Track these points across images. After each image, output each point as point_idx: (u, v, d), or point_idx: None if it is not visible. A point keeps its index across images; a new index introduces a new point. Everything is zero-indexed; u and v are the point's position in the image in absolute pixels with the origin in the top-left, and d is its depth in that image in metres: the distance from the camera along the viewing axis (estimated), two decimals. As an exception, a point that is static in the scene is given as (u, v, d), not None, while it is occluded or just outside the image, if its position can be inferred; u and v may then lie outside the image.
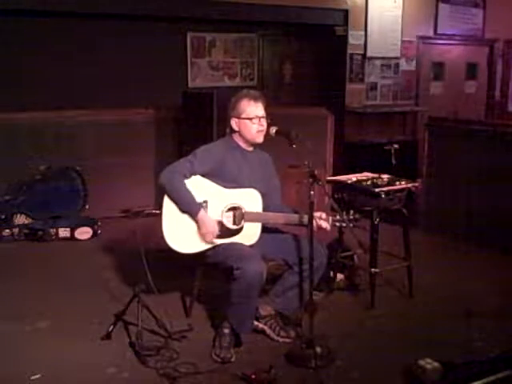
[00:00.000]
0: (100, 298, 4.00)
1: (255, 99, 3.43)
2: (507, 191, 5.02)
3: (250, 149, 3.52)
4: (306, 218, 3.31)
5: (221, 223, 3.38)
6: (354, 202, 3.85)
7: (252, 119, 3.40)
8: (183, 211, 3.36)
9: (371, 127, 6.84)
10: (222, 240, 3.39)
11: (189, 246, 3.38)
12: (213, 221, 3.37)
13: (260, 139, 3.45)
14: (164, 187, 3.35)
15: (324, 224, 3.37)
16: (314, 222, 3.23)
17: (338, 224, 3.43)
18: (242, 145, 3.50)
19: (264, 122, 3.43)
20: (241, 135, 3.47)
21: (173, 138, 6.42)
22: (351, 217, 3.35)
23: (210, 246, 3.39)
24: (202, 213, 3.34)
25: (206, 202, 3.38)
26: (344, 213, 3.34)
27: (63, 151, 5.84)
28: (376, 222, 3.82)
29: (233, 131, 3.49)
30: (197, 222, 3.35)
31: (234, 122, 3.45)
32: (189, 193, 3.34)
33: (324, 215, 3.40)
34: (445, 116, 6.41)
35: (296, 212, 3.49)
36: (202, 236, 3.36)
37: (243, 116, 3.41)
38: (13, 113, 5.64)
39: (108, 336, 3.40)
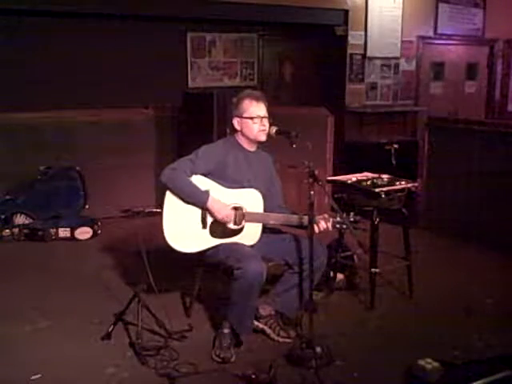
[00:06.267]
0: (100, 298, 4.00)
1: (257, 99, 3.44)
2: (507, 191, 5.02)
3: (252, 149, 3.53)
4: (305, 219, 3.31)
5: (221, 223, 3.38)
6: (354, 202, 3.85)
7: (253, 119, 3.40)
8: (190, 203, 3.34)
9: (371, 127, 6.84)
10: (222, 240, 3.39)
11: (189, 246, 3.38)
12: (224, 204, 3.35)
13: (263, 138, 3.45)
14: (166, 185, 3.34)
15: (324, 224, 3.37)
16: (315, 224, 3.23)
17: (338, 226, 3.43)
18: (245, 145, 3.50)
19: (266, 122, 3.43)
20: (243, 135, 3.47)
21: (173, 138, 6.42)
22: (351, 219, 3.34)
23: (210, 245, 3.39)
24: (211, 199, 3.31)
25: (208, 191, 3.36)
26: (344, 214, 3.33)
27: (63, 151, 5.83)
28: (376, 222, 3.82)
29: (235, 131, 3.49)
30: (208, 209, 3.33)
31: (236, 122, 3.46)
32: (193, 184, 3.32)
33: (326, 216, 3.40)
34: (445, 116, 6.42)
35: (295, 214, 3.49)
36: (222, 221, 3.34)
37: (245, 115, 3.41)
38: (13, 113, 5.63)
39: (108, 336, 3.40)
